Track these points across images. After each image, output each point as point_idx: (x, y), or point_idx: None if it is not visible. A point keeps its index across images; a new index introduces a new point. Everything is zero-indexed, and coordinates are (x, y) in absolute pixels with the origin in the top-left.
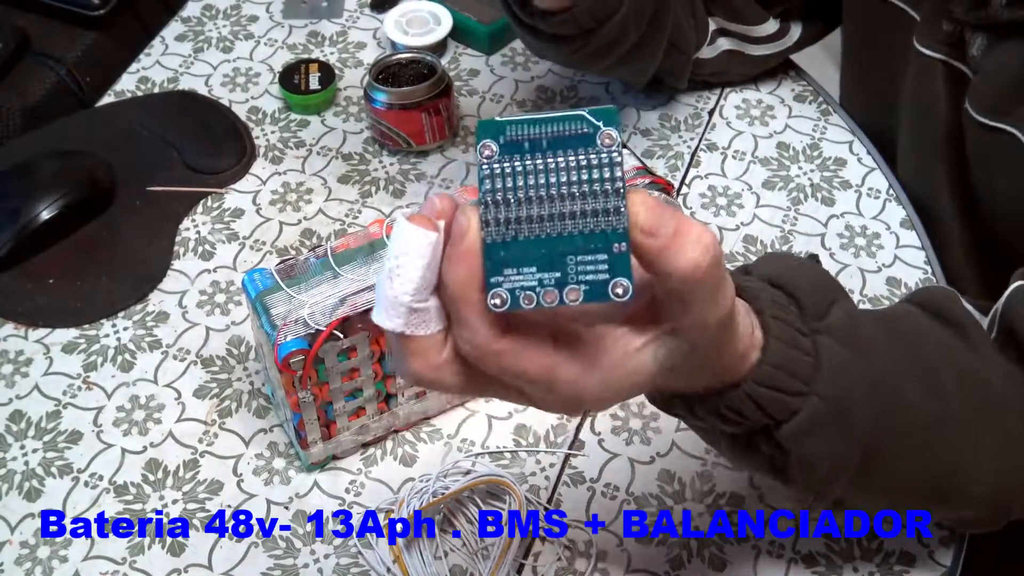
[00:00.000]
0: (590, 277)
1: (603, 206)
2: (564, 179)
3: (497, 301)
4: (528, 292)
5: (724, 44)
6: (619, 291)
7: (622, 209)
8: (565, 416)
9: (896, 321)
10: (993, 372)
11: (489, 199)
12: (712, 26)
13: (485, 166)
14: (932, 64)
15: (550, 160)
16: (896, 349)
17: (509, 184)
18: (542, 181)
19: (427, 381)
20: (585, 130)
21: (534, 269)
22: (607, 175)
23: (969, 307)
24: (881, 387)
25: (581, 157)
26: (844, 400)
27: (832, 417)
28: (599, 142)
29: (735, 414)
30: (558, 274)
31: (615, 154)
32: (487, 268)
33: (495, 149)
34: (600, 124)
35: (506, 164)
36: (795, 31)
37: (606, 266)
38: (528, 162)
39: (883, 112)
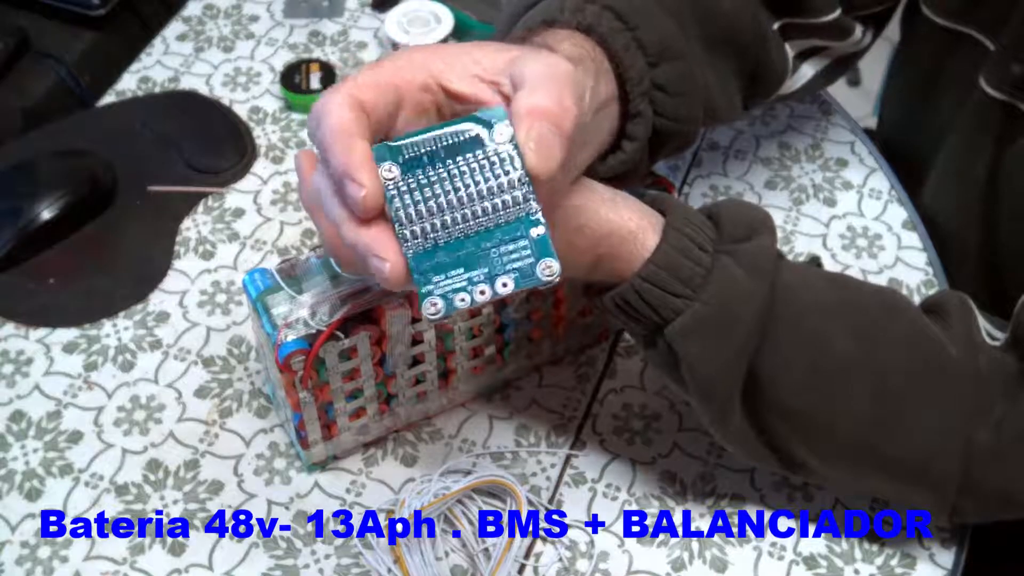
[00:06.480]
0: (517, 264)
1: (512, 196)
2: (468, 182)
3: (432, 310)
4: (461, 293)
5: (808, 72)
6: (547, 271)
7: (531, 198)
8: (566, 416)
9: (845, 278)
10: (952, 345)
11: (402, 215)
12: (791, 52)
13: (391, 187)
14: (994, 104)
15: (451, 167)
16: (827, 292)
17: (417, 198)
18: (448, 188)
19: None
20: (475, 133)
21: (461, 270)
22: (507, 169)
23: (979, 314)
24: (783, 316)
25: (480, 158)
26: (728, 314)
27: (714, 326)
28: (491, 141)
29: (628, 306)
30: (486, 269)
31: (510, 147)
32: (417, 281)
33: (396, 170)
34: (490, 122)
35: (411, 180)
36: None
37: (529, 251)
38: (431, 173)
39: (922, 134)
